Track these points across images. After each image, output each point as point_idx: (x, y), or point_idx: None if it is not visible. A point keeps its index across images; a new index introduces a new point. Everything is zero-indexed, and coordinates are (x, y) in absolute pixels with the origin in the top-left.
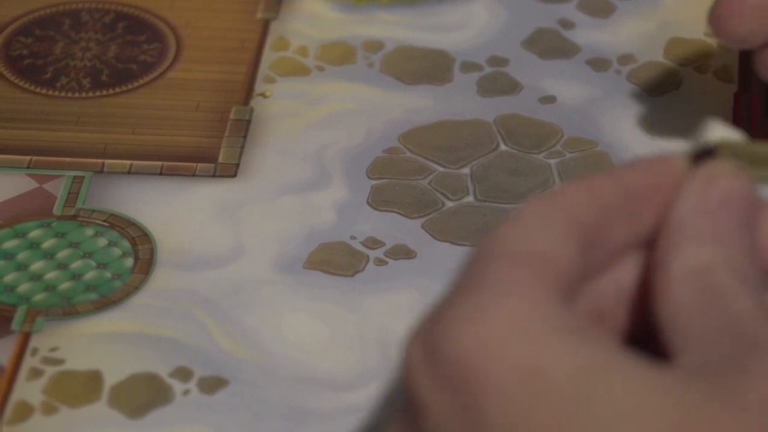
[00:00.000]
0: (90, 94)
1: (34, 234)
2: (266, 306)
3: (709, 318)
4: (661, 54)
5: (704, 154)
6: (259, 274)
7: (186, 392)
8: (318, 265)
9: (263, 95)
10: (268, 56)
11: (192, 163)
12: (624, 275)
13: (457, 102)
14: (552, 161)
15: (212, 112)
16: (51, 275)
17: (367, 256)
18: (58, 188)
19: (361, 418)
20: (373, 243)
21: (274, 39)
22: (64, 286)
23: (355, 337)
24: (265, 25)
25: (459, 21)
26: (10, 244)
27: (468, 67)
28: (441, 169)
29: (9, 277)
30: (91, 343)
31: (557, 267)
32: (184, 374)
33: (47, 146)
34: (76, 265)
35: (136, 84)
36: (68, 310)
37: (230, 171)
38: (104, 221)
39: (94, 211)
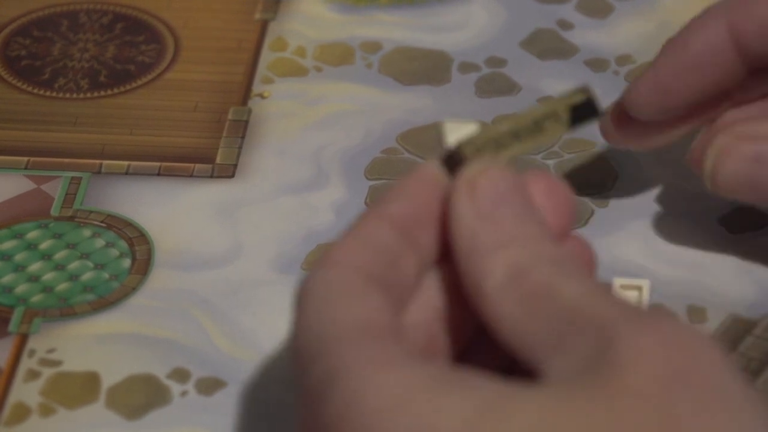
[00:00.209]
0: (88, 95)
1: (32, 235)
2: (264, 306)
3: (547, 321)
4: None
5: (453, 159)
6: (257, 274)
7: (184, 393)
8: None
9: (261, 96)
10: (266, 57)
11: (190, 164)
12: (431, 297)
13: (456, 103)
14: (550, 162)
15: (210, 112)
16: (48, 276)
17: None
18: (56, 189)
19: None
20: None
21: (272, 39)
22: (62, 287)
23: None
24: (263, 26)
25: (457, 22)
26: (7, 246)
27: (466, 67)
28: None
29: (6, 279)
30: (89, 345)
31: (387, 326)
32: (181, 375)
33: (45, 147)
34: (73, 266)
35: (134, 85)
36: (66, 311)
37: (228, 172)
38: (101, 222)
39: (91, 212)
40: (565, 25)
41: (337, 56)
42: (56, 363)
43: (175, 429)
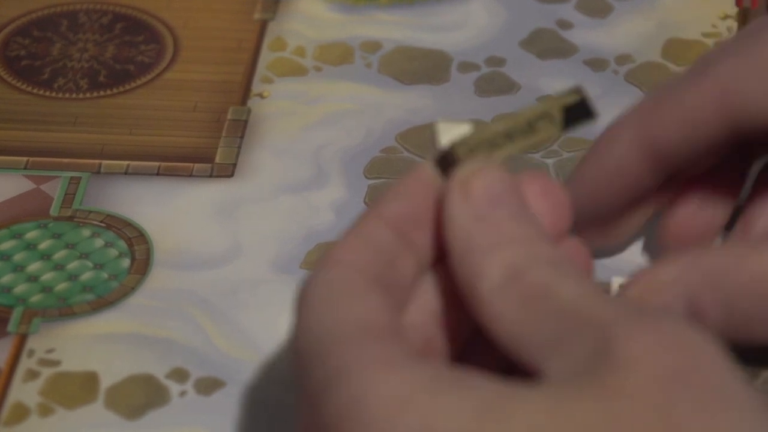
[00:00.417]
0: (87, 95)
1: (31, 235)
2: (264, 307)
3: (545, 323)
4: (659, 54)
5: (447, 160)
6: (256, 274)
7: (182, 393)
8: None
9: (261, 96)
10: (266, 57)
11: (189, 164)
12: (428, 299)
13: (455, 102)
14: (549, 161)
15: (209, 112)
16: (47, 276)
17: None
18: (55, 189)
19: None
20: None
21: (271, 39)
22: (61, 287)
23: None
24: (263, 26)
25: (457, 21)
26: (6, 246)
27: (466, 67)
28: None
29: (5, 279)
30: (88, 345)
31: (387, 327)
32: (180, 375)
33: (44, 147)
34: (72, 266)
35: (133, 85)
36: (65, 311)
37: (227, 171)
38: (101, 222)
39: (90, 211)
40: (565, 24)
41: (337, 56)
42: (55, 363)
43: (174, 429)
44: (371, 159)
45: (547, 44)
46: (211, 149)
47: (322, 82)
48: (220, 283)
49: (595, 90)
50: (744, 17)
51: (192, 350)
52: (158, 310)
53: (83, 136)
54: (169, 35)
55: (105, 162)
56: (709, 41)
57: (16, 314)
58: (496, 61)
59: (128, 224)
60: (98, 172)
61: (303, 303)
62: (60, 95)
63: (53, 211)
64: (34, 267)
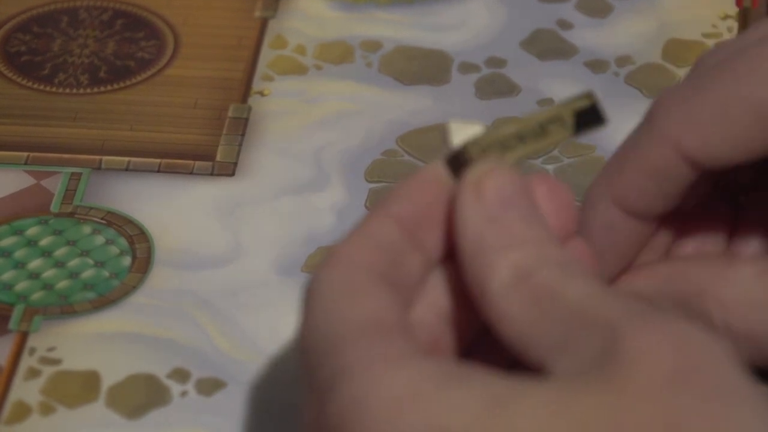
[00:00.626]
0: (88, 91)
1: (32, 231)
2: (265, 307)
3: (553, 322)
4: (659, 56)
5: (458, 160)
6: (257, 275)
7: (183, 393)
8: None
9: (261, 93)
10: (266, 54)
11: (190, 161)
12: (435, 298)
13: (456, 104)
14: (550, 166)
15: (210, 109)
16: (48, 273)
17: None
18: (56, 185)
19: None
20: None
21: (272, 37)
22: (62, 284)
23: None
24: (263, 24)
25: (458, 21)
26: (7, 242)
27: (466, 68)
28: None
29: (6, 276)
30: (89, 343)
31: (395, 323)
32: (181, 375)
33: (45, 142)
34: (73, 263)
35: (134, 81)
36: (66, 309)
37: (228, 169)
38: (102, 219)
39: (91, 208)
40: (565, 25)
41: (337, 55)
42: (56, 361)
43: (174, 429)
44: (372, 162)
45: (548, 45)
46: (211, 147)
47: (322, 81)
48: (221, 284)
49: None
50: (744, 17)
51: (193, 350)
52: (159, 310)
53: (84, 131)
54: (170, 32)
55: (106, 158)
56: (710, 41)
57: (17, 312)
58: (496, 62)
59: (129, 222)
60: (99, 168)
61: (309, 301)
62: (60, 91)
63: (54, 207)
64: (35, 264)
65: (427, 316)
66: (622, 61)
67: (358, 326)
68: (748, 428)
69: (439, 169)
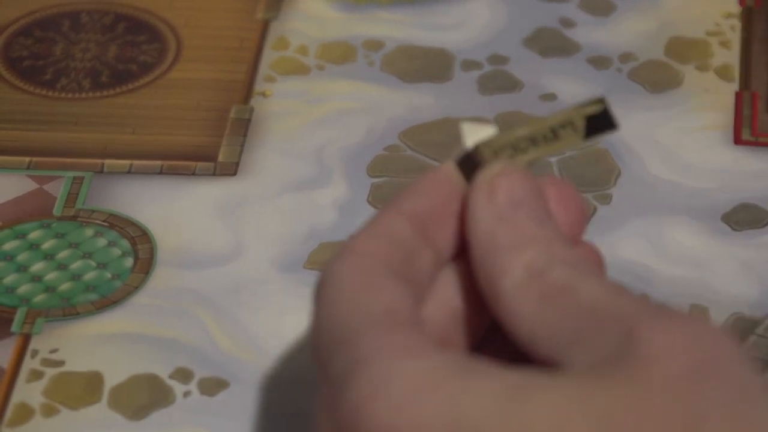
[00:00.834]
0: (90, 95)
1: (34, 235)
2: (267, 306)
3: (567, 319)
4: (662, 52)
5: (471, 161)
6: (259, 273)
7: (186, 394)
8: (319, 265)
9: (263, 94)
10: (269, 56)
11: (192, 162)
12: (449, 296)
13: (458, 100)
14: (553, 159)
15: (212, 111)
16: (51, 276)
17: None
18: (58, 189)
19: None
20: None
21: (274, 38)
22: (64, 286)
23: None
24: (265, 25)
25: (459, 19)
26: (10, 246)
27: (468, 65)
28: None
29: (9, 279)
30: (91, 344)
31: (409, 315)
32: (184, 375)
33: (47, 147)
34: (76, 265)
35: (136, 84)
36: (68, 310)
37: (230, 170)
38: (104, 221)
39: (93, 211)
40: (568, 23)
41: (339, 55)
42: (59, 363)
43: (178, 429)
44: (374, 157)
45: (550, 42)
46: (213, 148)
47: (324, 81)
48: (224, 282)
49: (598, 89)
50: (747, 16)
51: (196, 350)
52: (162, 310)
53: (86, 135)
54: (171, 35)
55: (108, 161)
56: (712, 39)
57: (19, 314)
58: (498, 60)
59: (131, 223)
60: (101, 172)
61: (322, 293)
62: (63, 95)
63: (56, 210)
64: (37, 267)
65: (438, 313)
66: (625, 57)
67: (374, 318)
68: (765, 423)
69: (451, 169)
